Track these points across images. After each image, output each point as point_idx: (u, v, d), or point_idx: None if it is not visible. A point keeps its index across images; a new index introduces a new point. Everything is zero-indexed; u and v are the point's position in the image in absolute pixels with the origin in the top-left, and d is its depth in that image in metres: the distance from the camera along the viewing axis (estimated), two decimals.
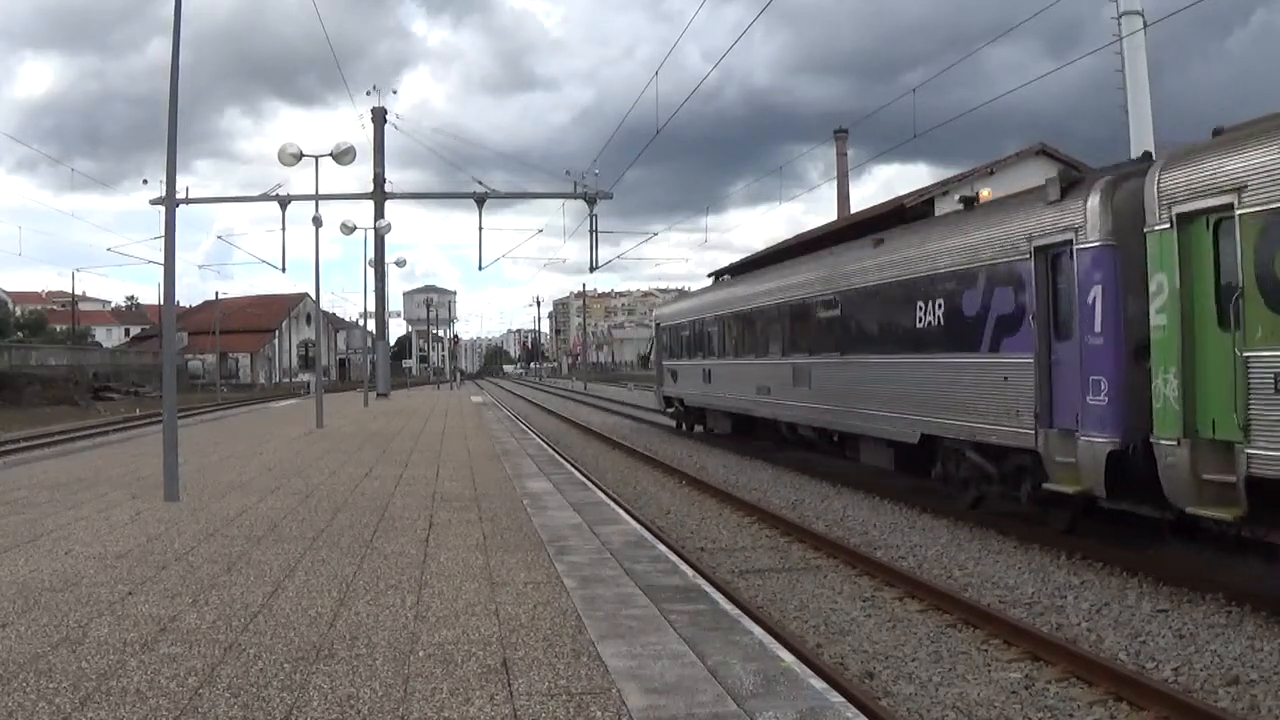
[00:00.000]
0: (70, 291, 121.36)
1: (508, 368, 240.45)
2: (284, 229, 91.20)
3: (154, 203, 56.72)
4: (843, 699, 6.63)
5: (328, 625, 8.13)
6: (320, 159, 32.70)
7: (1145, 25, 39.65)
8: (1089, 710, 8.62)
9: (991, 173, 45.48)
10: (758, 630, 8.23)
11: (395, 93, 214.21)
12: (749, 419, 29.92)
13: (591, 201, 60.50)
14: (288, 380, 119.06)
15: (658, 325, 43.58)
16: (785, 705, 6.25)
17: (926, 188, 53.88)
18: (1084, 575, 13.30)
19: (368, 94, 66.93)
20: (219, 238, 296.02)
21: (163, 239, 16.41)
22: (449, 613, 8.54)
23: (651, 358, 49.39)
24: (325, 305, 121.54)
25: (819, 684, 6.78)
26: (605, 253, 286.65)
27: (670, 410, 40.67)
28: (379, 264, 64.52)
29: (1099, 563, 13.75)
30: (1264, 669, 9.44)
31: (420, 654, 7.31)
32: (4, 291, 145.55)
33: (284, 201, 59.52)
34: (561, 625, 8.10)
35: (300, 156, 31.26)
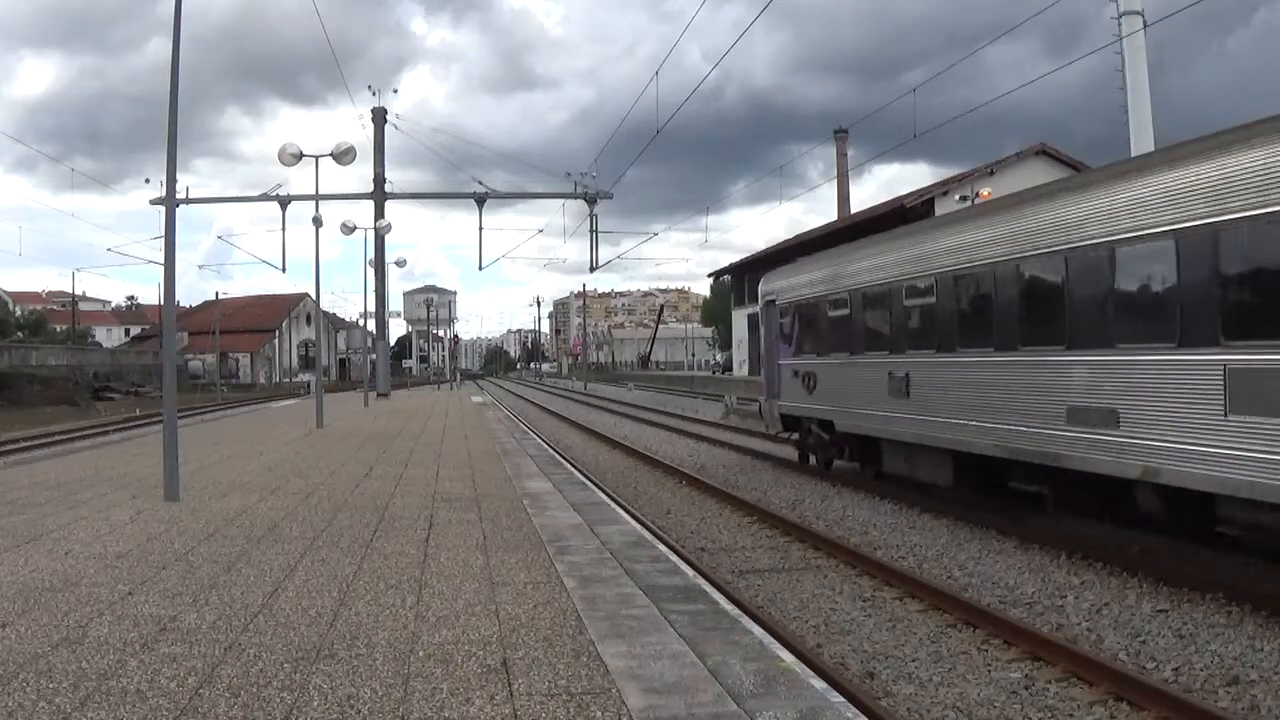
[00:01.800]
0: (70, 291, 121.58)
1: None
2: (284, 229, 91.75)
3: (154, 203, 56.91)
4: (843, 699, 6.62)
5: (328, 625, 8.12)
6: (320, 159, 32.74)
7: (1145, 25, 39.68)
8: (1089, 710, 8.62)
9: (992, 173, 45.73)
10: (758, 630, 8.22)
11: (395, 92, 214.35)
12: (1015, 469, 15.77)
13: (592, 201, 60.58)
14: (288, 380, 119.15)
15: (770, 303, 27.03)
16: (785, 705, 6.24)
17: (927, 187, 54.25)
18: (1084, 575, 13.30)
19: (374, 95, 66.74)
20: (219, 238, 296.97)
21: (163, 239, 16.41)
22: (449, 613, 8.53)
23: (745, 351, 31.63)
24: (325, 305, 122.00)
25: (819, 684, 6.78)
26: (605, 253, 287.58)
27: (796, 437, 26.15)
28: (379, 264, 64.55)
29: (1099, 563, 13.75)
30: (1264, 669, 9.44)
31: (420, 654, 7.31)
32: (4, 291, 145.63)
33: (284, 201, 59.62)
34: (561, 625, 8.10)
35: (300, 156, 31.23)
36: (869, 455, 21.64)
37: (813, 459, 25.25)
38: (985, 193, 34.30)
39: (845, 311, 21.63)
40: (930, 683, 9.45)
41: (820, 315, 23.10)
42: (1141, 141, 41.27)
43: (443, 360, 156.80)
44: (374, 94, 69.12)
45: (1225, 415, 11.48)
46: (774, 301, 26.68)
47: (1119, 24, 41.12)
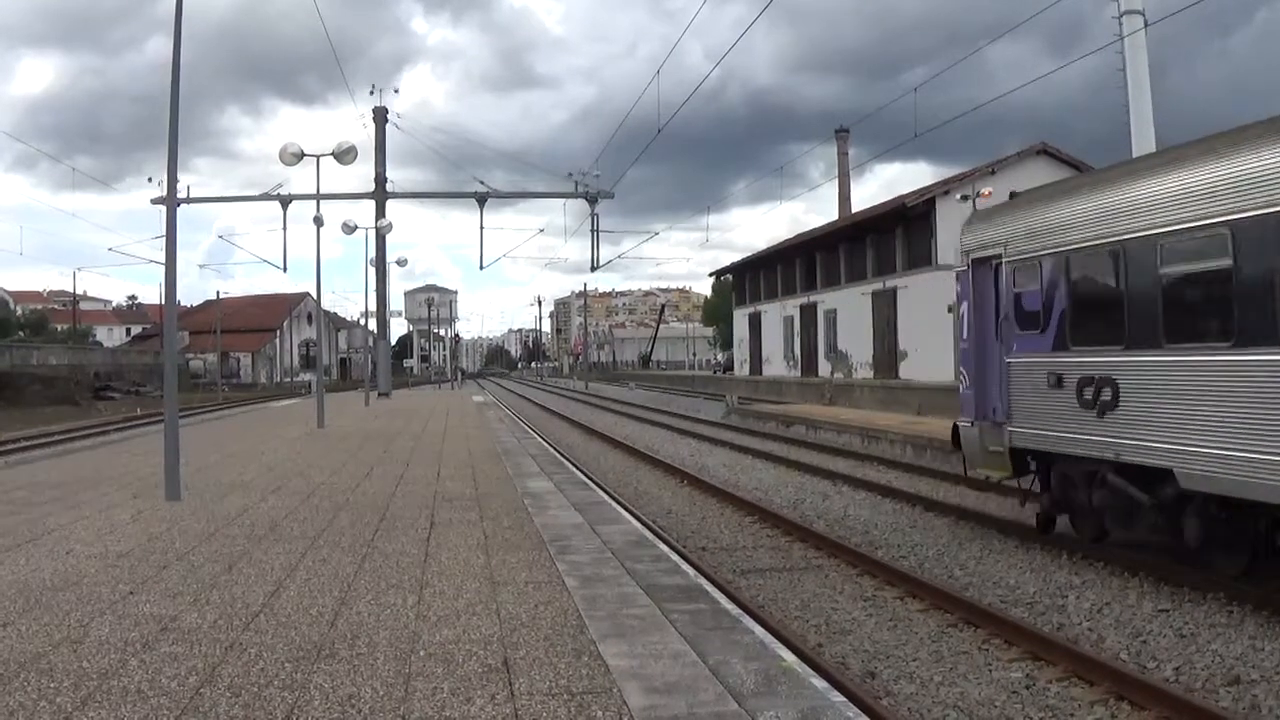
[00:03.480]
0: (71, 291, 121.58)
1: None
2: (285, 228, 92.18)
3: (155, 202, 56.85)
4: (844, 698, 6.62)
5: (329, 625, 8.12)
6: (321, 158, 32.70)
7: (1146, 24, 39.69)
8: (1090, 710, 8.62)
9: (993, 172, 45.78)
10: (759, 630, 8.22)
11: (396, 91, 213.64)
12: None
13: (593, 201, 60.50)
14: (289, 380, 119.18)
15: (982, 262, 16.77)
16: (786, 705, 6.24)
17: (928, 187, 54.31)
18: (1085, 575, 13.31)
19: (377, 93, 66.53)
20: (220, 237, 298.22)
21: (164, 238, 16.42)
22: (450, 612, 8.53)
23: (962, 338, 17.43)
24: (326, 305, 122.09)
25: (820, 683, 6.78)
26: (606, 252, 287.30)
27: (1035, 487, 15.89)
28: (380, 263, 64.49)
29: (1100, 562, 13.76)
30: (1265, 669, 9.44)
31: (421, 653, 7.31)
32: (5, 291, 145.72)
33: (285, 201, 59.53)
34: (563, 625, 8.09)
35: (301, 156, 31.19)
36: (1248, 537, 12.00)
37: (1061, 522, 15.29)
38: (986, 192, 34.29)
39: (1222, 261, 11.67)
40: (931, 682, 9.45)
41: (1139, 272, 13.06)
42: (1143, 141, 41.26)
43: (444, 360, 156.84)
44: (375, 92, 68.77)
45: None
46: (995, 258, 16.15)
47: (1120, 23, 41.15)
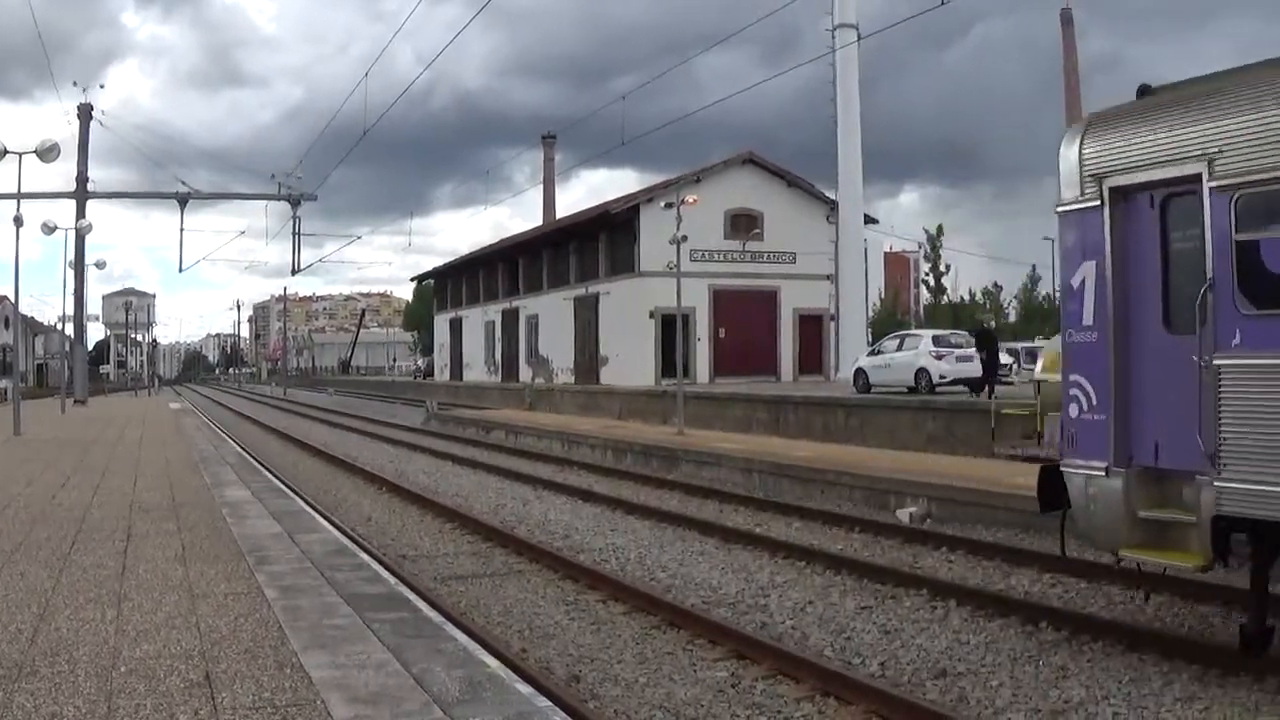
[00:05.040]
0: None
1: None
2: None
3: None
4: (550, 703, 6.61)
5: (28, 642, 7.74)
6: (24, 156, 31.23)
7: (859, 38, 41.24)
8: (797, 706, 8.71)
9: (699, 180, 46.72)
10: (461, 636, 8.11)
11: (102, 87, 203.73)
12: None
13: (295, 203, 59.05)
14: None
15: (1122, 192, 9.41)
16: (492, 711, 6.19)
17: (633, 194, 55.05)
18: (787, 574, 13.57)
19: (74, 84, 63.34)
20: None
21: None
22: (149, 626, 8.19)
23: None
24: (23, 308, 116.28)
25: (525, 688, 6.76)
26: (308, 255, 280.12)
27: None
28: (79, 265, 61.47)
29: (801, 561, 14.08)
30: (971, 661, 9.79)
31: (122, 669, 7.01)
32: None
33: None
34: (264, 637, 7.85)
35: (4, 153, 29.78)
36: None
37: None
38: (691, 199, 34.89)
39: None
40: (636, 684, 9.42)
41: None
42: (849, 151, 42.92)
43: (141, 366, 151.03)
44: (78, 87, 65.52)
45: None
46: (1178, 184, 9.08)
47: (833, 36, 42.61)
